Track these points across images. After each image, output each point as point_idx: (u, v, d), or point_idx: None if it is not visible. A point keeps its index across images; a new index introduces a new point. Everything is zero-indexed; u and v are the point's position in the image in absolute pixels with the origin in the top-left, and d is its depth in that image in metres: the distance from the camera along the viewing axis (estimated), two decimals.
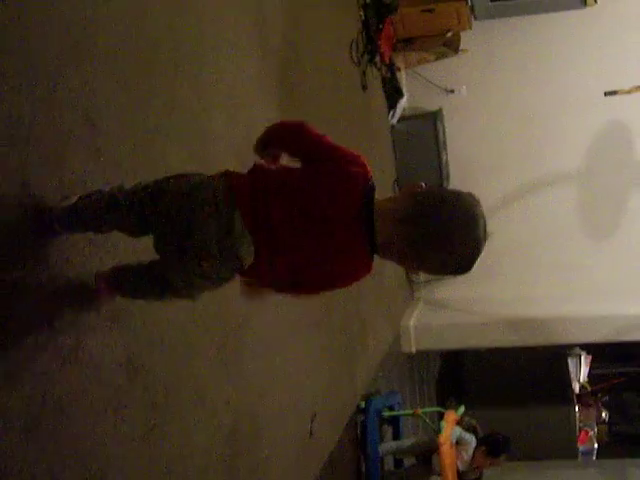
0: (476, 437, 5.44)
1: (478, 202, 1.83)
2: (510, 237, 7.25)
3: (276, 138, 2.01)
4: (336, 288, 2.03)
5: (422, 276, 7.33)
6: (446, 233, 1.77)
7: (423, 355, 7.32)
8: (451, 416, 5.44)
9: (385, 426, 5.78)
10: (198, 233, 1.85)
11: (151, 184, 1.97)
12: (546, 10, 6.81)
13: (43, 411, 1.98)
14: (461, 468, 5.28)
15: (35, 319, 1.99)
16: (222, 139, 3.29)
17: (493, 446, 5.37)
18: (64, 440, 2.07)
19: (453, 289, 7.23)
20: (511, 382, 9.02)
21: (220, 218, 1.85)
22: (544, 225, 7.29)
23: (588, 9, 6.65)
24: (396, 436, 5.82)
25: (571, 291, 7.10)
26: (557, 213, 7.27)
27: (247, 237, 1.87)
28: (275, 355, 3.74)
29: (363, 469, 5.29)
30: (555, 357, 9.21)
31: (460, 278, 6.70)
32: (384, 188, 6.55)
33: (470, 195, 1.84)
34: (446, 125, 7.08)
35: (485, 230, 1.81)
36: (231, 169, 1.97)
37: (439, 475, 5.25)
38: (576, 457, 8.50)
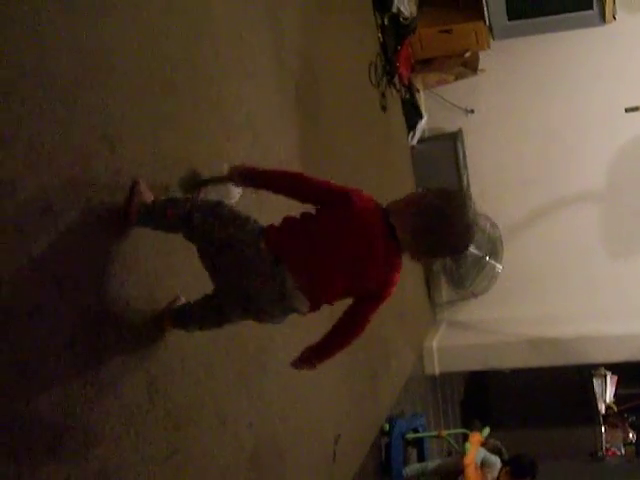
0: (501, 459, 5.39)
1: (463, 194, 2.37)
2: (533, 257, 7.23)
3: (280, 184, 2.37)
4: (390, 285, 2.35)
5: (444, 296, 7.30)
6: (445, 219, 2.18)
7: (447, 377, 7.27)
8: (476, 438, 5.39)
9: (409, 448, 5.73)
10: (255, 299, 2.22)
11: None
12: (564, 28, 6.80)
13: (65, 431, 1.98)
14: None
15: (56, 341, 1.99)
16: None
17: (518, 467, 5.30)
18: (86, 462, 2.06)
19: (476, 310, 7.20)
20: (536, 403, 8.95)
21: (273, 284, 2.18)
22: (567, 244, 7.24)
23: (607, 26, 6.63)
24: (421, 458, 5.76)
25: (595, 310, 7.04)
26: (580, 232, 7.22)
27: (299, 293, 2.21)
28: (297, 378, 3.71)
29: None
30: (580, 377, 9.13)
31: (483, 299, 6.58)
32: None
33: (454, 191, 2.38)
34: (466, 146, 7.07)
35: (473, 212, 2.25)
36: (267, 225, 2.27)
37: None
38: None
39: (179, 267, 2.62)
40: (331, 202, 2.24)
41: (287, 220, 2.28)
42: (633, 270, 7.16)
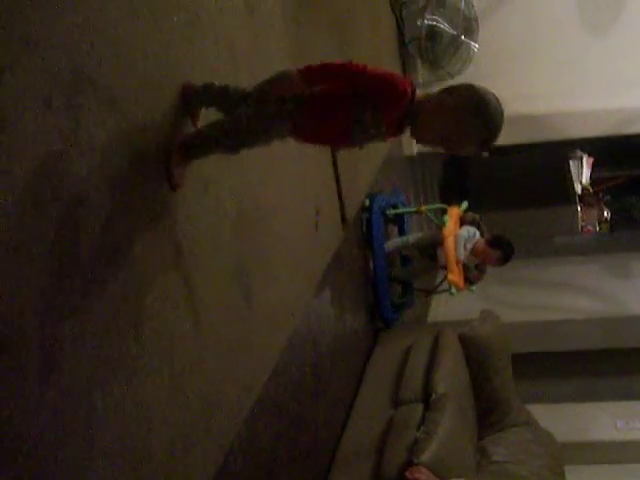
0: (480, 231, 5.49)
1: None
2: (509, 34, 7.11)
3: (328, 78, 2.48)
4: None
5: (420, 77, 7.18)
6: (480, 105, 2.35)
7: (425, 158, 7.32)
8: (454, 211, 5.47)
9: (390, 225, 5.84)
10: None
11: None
12: None
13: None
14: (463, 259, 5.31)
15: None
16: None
17: (496, 239, 5.39)
18: None
19: None
20: (513, 187, 9.13)
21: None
22: (543, 21, 7.11)
23: None
24: (401, 234, 5.88)
25: (573, 87, 7.01)
26: (558, 7, 7.09)
27: None
28: (275, 148, 3.71)
29: (371, 266, 5.39)
30: (557, 160, 9.27)
31: (459, 79, 6.49)
32: None
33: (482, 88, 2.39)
34: None
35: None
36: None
37: (445, 268, 5.35)
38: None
39: None
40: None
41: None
42: (608, 46, 7.08)
